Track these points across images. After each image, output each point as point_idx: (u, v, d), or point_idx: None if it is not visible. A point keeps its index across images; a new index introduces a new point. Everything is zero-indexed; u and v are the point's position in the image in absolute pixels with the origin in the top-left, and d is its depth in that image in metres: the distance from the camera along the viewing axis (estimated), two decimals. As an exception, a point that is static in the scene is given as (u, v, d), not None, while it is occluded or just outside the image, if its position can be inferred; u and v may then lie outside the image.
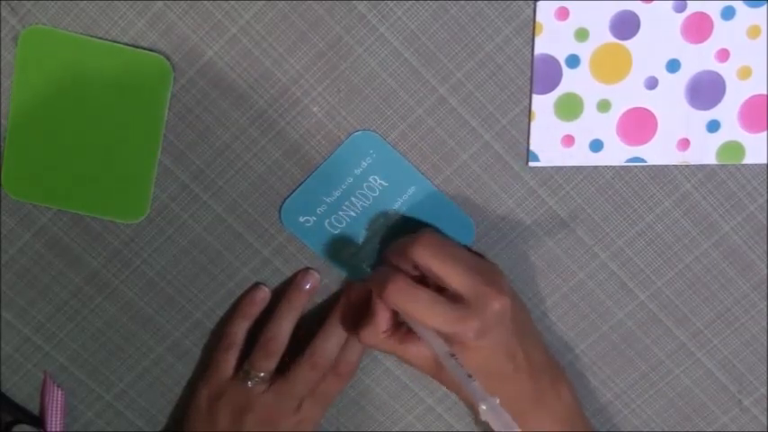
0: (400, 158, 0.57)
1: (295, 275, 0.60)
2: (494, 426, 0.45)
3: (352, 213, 0.59)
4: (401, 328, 0.55)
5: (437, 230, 0.59)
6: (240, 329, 0.60)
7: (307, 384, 0.59)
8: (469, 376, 0.49)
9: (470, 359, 0.52)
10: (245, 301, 0.60)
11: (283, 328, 0.59)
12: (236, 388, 0.59)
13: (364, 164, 0.57)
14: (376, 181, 0.58)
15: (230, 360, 0.60)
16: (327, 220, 0.59)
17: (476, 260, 0.57)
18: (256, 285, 0.60)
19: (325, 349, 0.59)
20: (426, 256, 0.53)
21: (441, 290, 0.53)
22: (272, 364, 0.59)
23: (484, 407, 0.46)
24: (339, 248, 0.60)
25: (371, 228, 0.59)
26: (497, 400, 0.46)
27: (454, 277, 0.53)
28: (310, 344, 0.59)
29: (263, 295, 0.60)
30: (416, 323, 0.53)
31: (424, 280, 0.54)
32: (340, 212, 0.59)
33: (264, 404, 0.59)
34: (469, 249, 0.60)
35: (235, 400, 0.59)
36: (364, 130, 0.57)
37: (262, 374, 0.59)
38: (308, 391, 0.59)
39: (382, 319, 0.55)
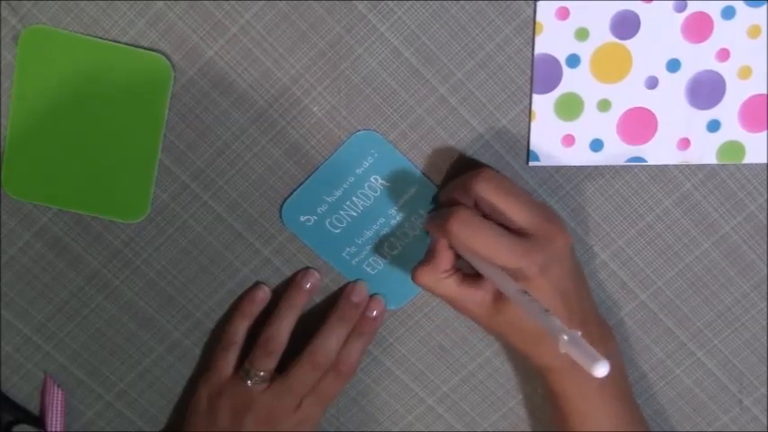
0: (402, 158, 0.57)
1: (295, 275, 0.60)
2: (578, 359, 0.42)
3: (353, 213, 0.59)
4: (458, 272, 0.54)
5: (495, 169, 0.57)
6: (240, 329, 0.60)
7: (307, 383, 0.59)
8: (546, 311, 0.46)
9: None
10: (245, 300, 0.60)
11: (283, 327, 0.59)
12: (236, 387, 0.59)
13: (366, 163, 0.57)
14: (377, 181, 0.58)
15: (230, 359, 0.60)
16: (328, 220, 0.59)
17: (536, 199, 0.54)
18: (257, 285, 0.60)
19: (325, 348, 0.59)
20: (489, 190, 0.51)
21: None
22: (272, 363, 0.59)
23: (566, 337, 0.43)
24: (339, 248, 0.59)
25: (372, 227, 0.59)
26: (579, 333, 0.43)
27: (519, 212, 0.51)
28: (310, 343, 0.59)
29: (264, 295, 0.60)
30: (480, 261, 0.51)
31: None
32: (341, 212, 0.58)
33: (264, 403, 0.59)
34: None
35: (235, 399, 0.59)
36: (366, 129, 0.57)
37: (262, 373, 0.58)
38: (308, 390, 0.59)
39: (443, 258, 0.53)
